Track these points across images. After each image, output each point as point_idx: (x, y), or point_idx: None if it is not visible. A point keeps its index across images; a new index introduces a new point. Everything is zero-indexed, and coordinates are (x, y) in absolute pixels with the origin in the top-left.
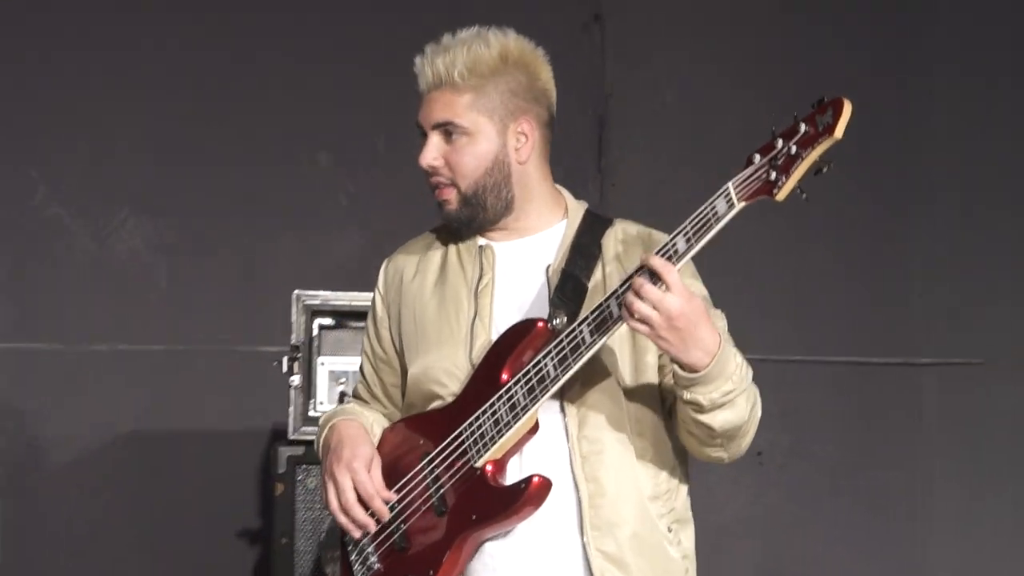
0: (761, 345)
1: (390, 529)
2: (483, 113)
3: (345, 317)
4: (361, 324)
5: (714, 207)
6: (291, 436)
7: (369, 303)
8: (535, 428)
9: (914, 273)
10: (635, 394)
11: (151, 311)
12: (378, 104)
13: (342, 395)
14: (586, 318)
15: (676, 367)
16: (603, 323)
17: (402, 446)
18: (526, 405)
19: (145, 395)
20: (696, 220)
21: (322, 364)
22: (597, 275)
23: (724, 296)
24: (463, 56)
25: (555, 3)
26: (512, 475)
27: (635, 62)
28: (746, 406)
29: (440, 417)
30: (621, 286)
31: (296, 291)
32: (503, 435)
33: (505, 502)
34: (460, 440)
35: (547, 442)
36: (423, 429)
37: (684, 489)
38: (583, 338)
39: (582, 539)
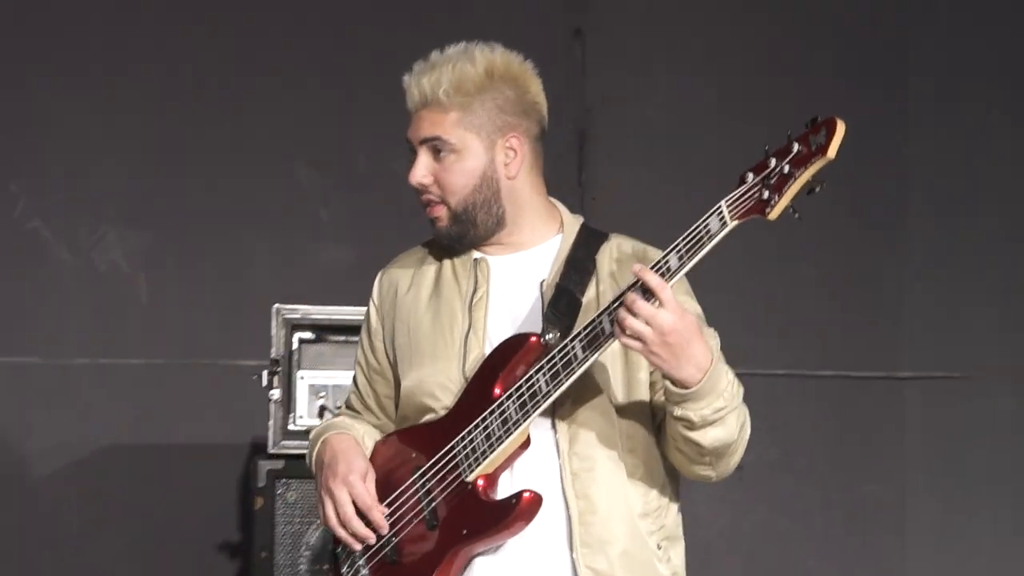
0: (746, 359)
1: (381, 541)
2: (470, 130)
3: (325, 331)
4: (341, 338)
5: (707, 225)
6: (271, 450)
7: (349, 317)
8: (527, 443)
9: (897, 288)
10: (627, 411)
11: (131, 325)
12: (359, 119)
13: (322, 409)
14: (578, 334)
15: (668, 383)
16: (595, 339)
17: (395, 459)
18: (518, 420)
19: (125, 409)
20: (689, 237)
21: (302, 378)
22: (591, 290)
23: (708, 311)
24: (448, 74)
25: (536, 17)
26: (503, 490)
27: (616, 76)
28: (736, 425)
29: (433, 431)
30: (613, 302)
31: (276, 305)
32: (495, 450)
33: (496, 517)
34: (452, 454)
35: (538, 458)
36: (416, 442)
37: (675, 507)
38: (575, 354)
39: (572, 556)
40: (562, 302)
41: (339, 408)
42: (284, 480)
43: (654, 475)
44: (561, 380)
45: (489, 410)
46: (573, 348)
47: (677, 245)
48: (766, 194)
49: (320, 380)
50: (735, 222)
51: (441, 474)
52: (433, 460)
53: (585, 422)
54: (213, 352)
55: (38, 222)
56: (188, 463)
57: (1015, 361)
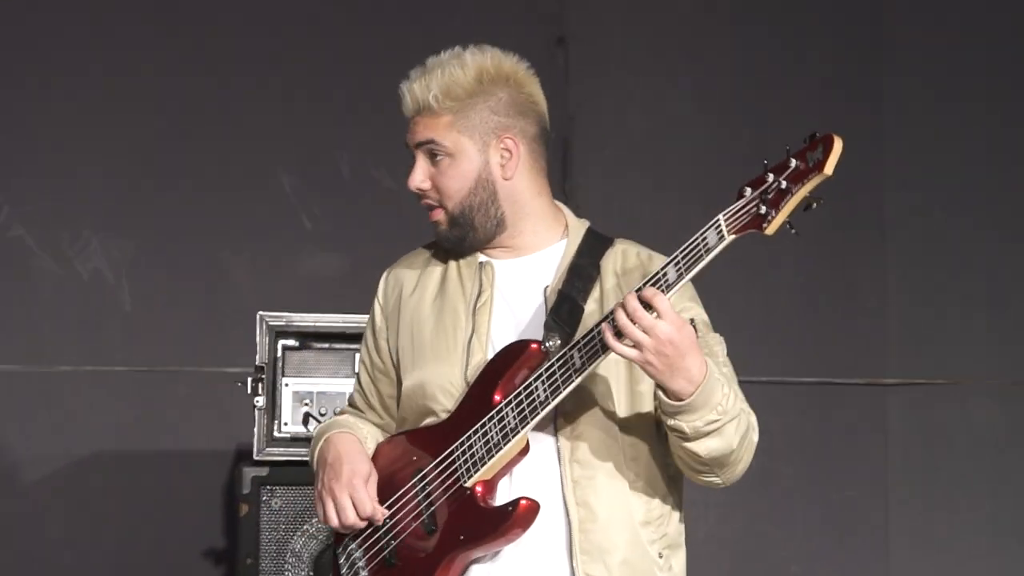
0: None
1: (381, 544)
2: (463, 133)
3: (309, 338)
4: (325, 345)
5: (705, 239)
6: (256, 457)
7: (333, 324)
8: (525, 450)
9: (879, 295)
10: (630, 419)
11: (115, 332)
12: (342, 127)
13: (307, 416)
14: (578, 342)
15: (660, 394)
16: (594, 348)
17: (397, 461)
18: (516, 427)
19: (109, 416)
20: (687, 250)
21: (286, 385)
22: (594, 297)
23: None
24: (438, 79)
25: (519, 26)
26: (502, 496)
27: (599, 85)
28: (735, 434)
29: (434, 434)
30: (611, 312)
31: (260, 312)
32: (493, 456)
33: (493, 523)
34: (452, 459)
35: (539, 465)
36: (417, 445)
37: (677, 515)
38: (574, 362)
39: (571, 563)
40: (564, 309)
41: (338, 410)
42: (269, 487)
43: (656, 483)
44: (559, 388)
45: (488, 416)
46: (572, 356)
47: (676, 258)
48: (763, 209)
49: (304, 387)
50: (732, 236)
51: (441, 478)
52: (433, 464)
53: (587, 430)
54: (197, 359)
55: (21, 230)
56: (173, 470)
57: (997, 368)
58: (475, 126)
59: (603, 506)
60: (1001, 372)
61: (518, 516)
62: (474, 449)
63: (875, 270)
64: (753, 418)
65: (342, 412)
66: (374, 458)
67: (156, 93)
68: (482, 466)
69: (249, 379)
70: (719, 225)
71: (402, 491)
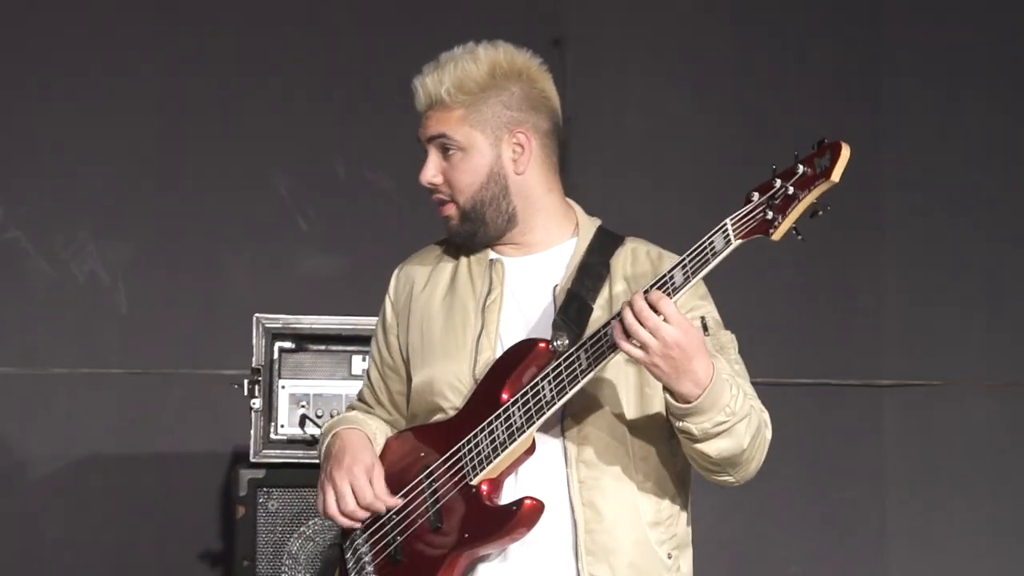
0: None
1: (387, 540)
2: (475, 127)
3: (305, 340)
4: (321, 347)
5: (712, 243)
6: (252, 459)
7: (329, 326)
8: (531, 449)
9: (875, 296)
10: (639, 420)
11: (110, 335)
12: (338, 129)
13: (303, 418)
14: (584, 343)
15: (667, 396)
16: (600, 349)
17: (405, 458)
18: (522, 426)
19: (105, 419)
20: (694, 254)
21: (283, 387)
22: (604, 296)
23: None
24: (451, 74)
25: (515, 28)
26: (508, 495)
27: (597, 85)
28: (746, 434)
29: (441, 431)
30: (619, 312)
31: (256, 314)
32: (499, 455)
33: (498, 522)
34: (458, 456)
35: (545, 465)
36: (425, 442)
37: (685, 515)
38: (580, 363)
39: (576, 564)
40: (572, 308)
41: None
42: (265, 489)
43: (666, 484)
44: (565, 389)
45: (495, 415)
46: (579, 357)
47: (683, 261)
48: (770, 215)
49: (301, 389)
50: (739, 241)
51: (447, 476)
52: (440, 461)
53: (595, 430)
54: (193, 362)
55: (17, 232)
56: (169, 472)
57: (993, 369)
58: (487, 120)
59: (610, 507)
60: (998, 373)
61: (522, 515)
62: (480, 447)
63: (872, 271)
64: (766, 415)
65: (351, 408)
66: (383, 454)
67: (151, 95)
68: (488, 464)
69: (245, 381)
70: (726, 229)
71: (409, 487)
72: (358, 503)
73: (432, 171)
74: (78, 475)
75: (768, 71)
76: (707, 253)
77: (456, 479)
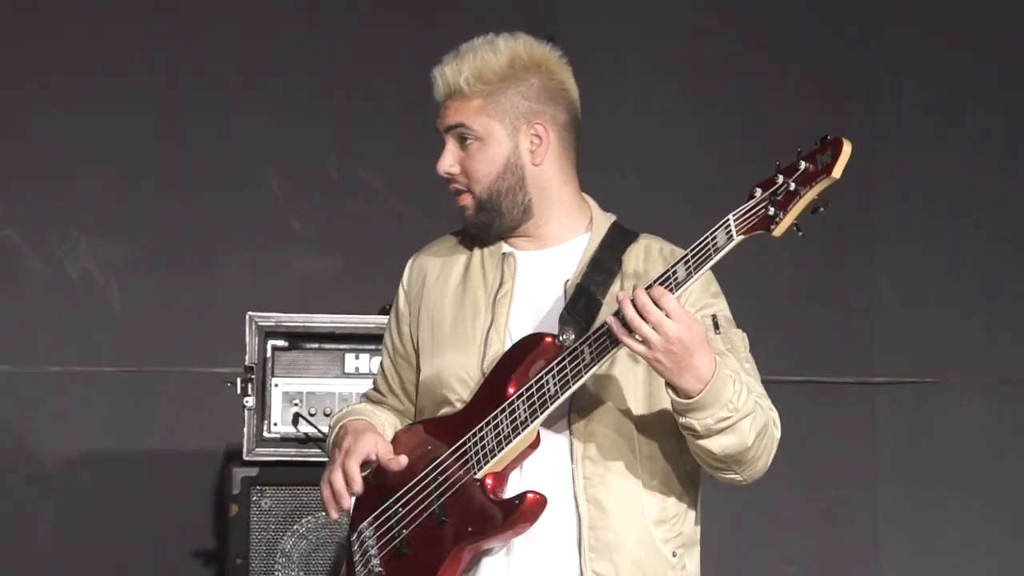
0: None
1: (393, 533)
2: (494, 117)
3: (298, 339)
4: (314, 346)
5: (714, 238)
6: (245, 457)
7: (322, 325)
8: (536, 443)
9: (868, 294)
10: (646, 417)
11: (104, 333)
12: (331, 129)
13: (296, 416)
14: (588, 337)
15: (670, 392)
16: (603, 342)
17: (413, 450)
18: (526, 420)
19: (99, 417)
20: (696, 250)
21: (276, 385)
22: (613, 291)
23: None
24: (470, 63)
25: (508, 26)
26: (512, 490)
27: (590, 84)
28: (750, 431)
29: (449, 424)
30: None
31: (249, 313)
32: (503, 448)
33: (501, 515)
34: (464, 449)
35: (550, 460)
36: (433, 434)
37: (693, 514)
38: (583, 357)
39: (580, 560)
40: (581, 303)
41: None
42: (259, 487)
43: (672, 482)
44: (569, 383)
45: (500, 408)
46: (582, 351)
47: (686, 256)
48: (772, 211)
49: (294, 387)
50: (741, 237)
51: (453, 468)
52: (447, 454)
53: (601, 426)
54: (187, 360)
55: (10, 230)
56: (162, 471)
57: (986, 366)
58: (505, 111)
59: (614, 504)
60: (990, 371)
61: (525, 509)
62: (485, 440)
63: (865, 269)
64: (774, 415)
65: (364, 398)
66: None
67: (145, 95)
68: (492, 458)
69: (239, 379)
70: (728, 225)
71: (415, 480)
72: (333, 487)
73: (449, 160)
74: (71, 473)
75: (764, 70)
76: (709, 248)
77: (461, 472)
